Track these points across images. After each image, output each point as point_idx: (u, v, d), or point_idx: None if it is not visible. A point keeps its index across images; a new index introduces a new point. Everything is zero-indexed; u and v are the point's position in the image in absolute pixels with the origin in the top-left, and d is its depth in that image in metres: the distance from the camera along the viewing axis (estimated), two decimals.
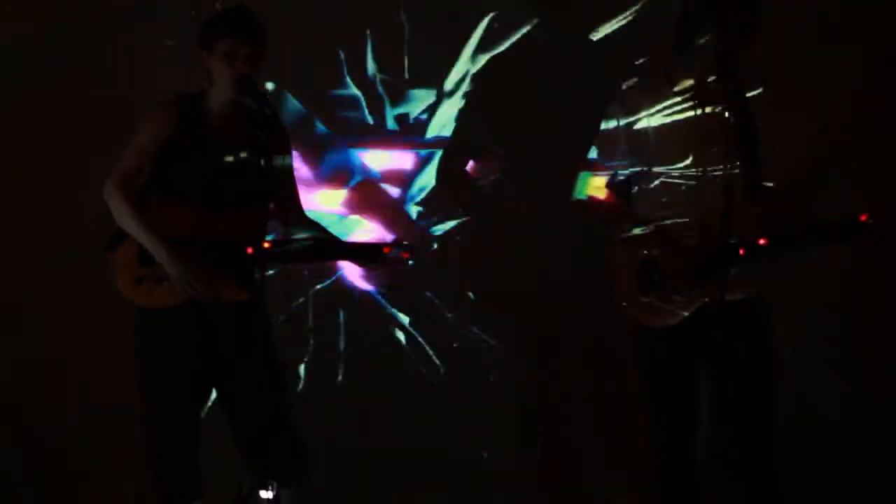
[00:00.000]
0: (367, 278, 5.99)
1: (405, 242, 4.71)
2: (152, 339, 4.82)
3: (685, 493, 4.77)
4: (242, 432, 4.85)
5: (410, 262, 4.70)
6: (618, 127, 4.76)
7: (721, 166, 4.51)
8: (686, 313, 4.64)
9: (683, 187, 4.68)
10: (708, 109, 4.66)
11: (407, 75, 5.97)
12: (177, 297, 4.74)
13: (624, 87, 4.84)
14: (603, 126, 4.80)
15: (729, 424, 4.66)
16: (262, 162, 4.62)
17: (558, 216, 5.63)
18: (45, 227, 5.77)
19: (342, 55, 5.95)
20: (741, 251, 4.51)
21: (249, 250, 4.58)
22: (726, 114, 4.49)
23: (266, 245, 4.60)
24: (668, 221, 4.66)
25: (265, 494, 4.72)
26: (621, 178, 4.78)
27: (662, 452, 4.80)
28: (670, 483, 4.79)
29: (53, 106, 5.78)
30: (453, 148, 5.94)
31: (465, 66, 5.91)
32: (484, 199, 5.93)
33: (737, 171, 4.53)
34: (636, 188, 4.76)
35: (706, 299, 4.55)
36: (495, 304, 5.94)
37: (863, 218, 4.53)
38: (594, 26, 5.86)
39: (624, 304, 4.75)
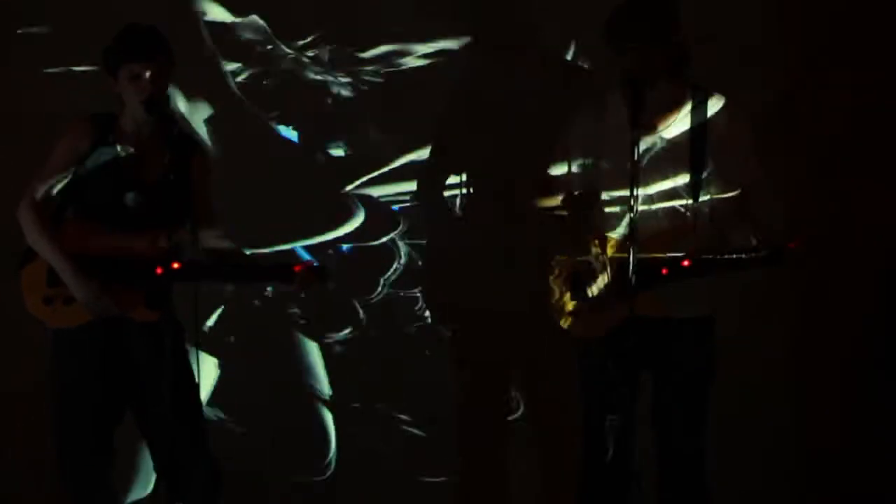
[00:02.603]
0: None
1: (315, 263, 4.83)
2: (63, 359, 4.78)
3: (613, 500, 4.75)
4: (157, 452, 4.82)
5: (320, 282, 4.75)
6: (567, 144, 4.80)
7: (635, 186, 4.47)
8: (611, 324, 4.62)
9: (615, 206, 4.71)
10: (622, 125, 4.61)
11: None
12: (86, 316, 4.72)
13: (575, 109, 4.86)
14: (556, 149, 4.83)
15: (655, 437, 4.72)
16: (174, 182, 4.64)
17: (516, 230, 5.62)
18: None
19: None
20: (664, 270, 4.53)
21: (159, 270, 4.57)
22: (633, 130, 4.45)
23: (176, 265, 4.57)
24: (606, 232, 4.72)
25: None
26: (576, 194, 4.76)
27: (591, 457, 4.77)
28: (599, 491, 4.77)
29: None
30: (432, 169, 5.89)
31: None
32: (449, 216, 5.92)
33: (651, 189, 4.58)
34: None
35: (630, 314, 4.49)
36: (450, 317, 5.91)
37: (791, 245, 4.54)
38: (534, 43, 5.84)
39: (553, 311, 4.79)
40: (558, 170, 4.83)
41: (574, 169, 4.79)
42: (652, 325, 4.52)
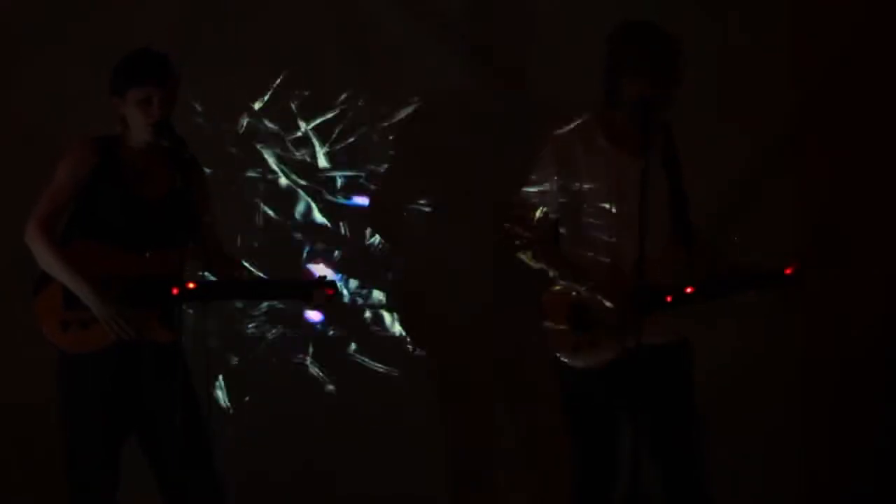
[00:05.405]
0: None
1: (328, 279, 4.74)
2: (77, 384, 4.75)
3: None
4: (162, 471, 4.82)
5: (333, 298, 4.76)
6: (548, 173, 4.79)
7: (646, 213, 4.52)
8: (612, 356, 4.68)
9: (607, 233, 4.74)
10: (630, 157, 4.69)
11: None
12: (103, 340, 4.71)
13: (557, 133, 4.84)
14: (535, 173, 4.83)
15: (654, 465, 4.75)
16: (180, 202, 4.68)
17: (484, 251, 5.67)
18: None
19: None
20: (668, 298, 4.59)
21: (175, 290, 4.59)
22: (645, 162, 4.52)
23: (191, 285, 4.61)
24: (601, 262, 4.74)
25: None
26: (551, 217, 4.81)
27: (584, 489, 4.84)
28: None
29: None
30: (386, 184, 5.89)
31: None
32: (412, 234, 5.90)
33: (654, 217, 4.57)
34: (563, 229, 4.81)
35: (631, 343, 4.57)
36: (420, 335, 5.91)
37: (788, 271, 4.69)
38: (523, 75, 5.90)
39: (553, 344, 4.79)
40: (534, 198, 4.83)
41: (555, 189, 4.79)
42: (642, 352, 4.53)
